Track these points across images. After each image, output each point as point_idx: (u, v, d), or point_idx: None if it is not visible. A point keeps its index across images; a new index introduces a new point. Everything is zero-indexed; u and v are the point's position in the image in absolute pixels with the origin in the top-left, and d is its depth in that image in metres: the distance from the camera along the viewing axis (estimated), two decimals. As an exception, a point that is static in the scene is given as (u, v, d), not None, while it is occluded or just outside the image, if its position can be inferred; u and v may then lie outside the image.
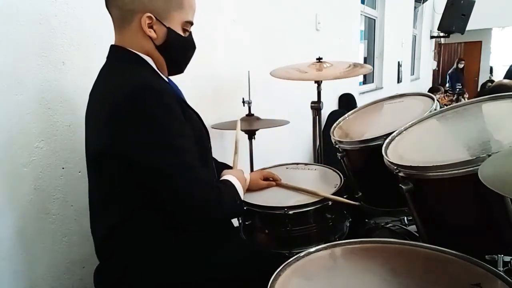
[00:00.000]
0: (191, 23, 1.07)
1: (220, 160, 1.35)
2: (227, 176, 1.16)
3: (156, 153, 0.92)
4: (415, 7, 7.19)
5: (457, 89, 7.52)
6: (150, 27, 0.99)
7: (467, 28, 8.01)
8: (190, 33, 1.09)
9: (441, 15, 7.83)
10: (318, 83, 2.00)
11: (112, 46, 1.05)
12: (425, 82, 8.90)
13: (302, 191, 1.40)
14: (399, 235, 1.51)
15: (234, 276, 1.05)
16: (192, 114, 1.08)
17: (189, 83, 1.40)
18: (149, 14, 0.98)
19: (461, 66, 9.54)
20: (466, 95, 7.40)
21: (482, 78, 10.69)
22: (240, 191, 1.13)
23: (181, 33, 1.04)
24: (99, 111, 0.98)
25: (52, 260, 1.29)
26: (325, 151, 2.12)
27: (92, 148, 1.03)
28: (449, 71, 9.75)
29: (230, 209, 1.07)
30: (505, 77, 10.43)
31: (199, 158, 1.00)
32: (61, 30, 1.26)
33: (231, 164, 1.39)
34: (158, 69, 1.07)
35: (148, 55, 1.03)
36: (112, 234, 1.00)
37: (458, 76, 9.50)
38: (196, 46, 1.12)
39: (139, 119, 0.91)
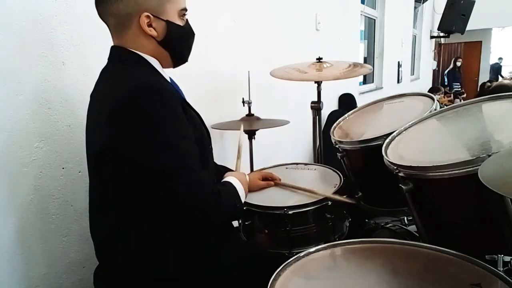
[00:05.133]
0: (186, 10, 1.07)
1: (220, 160, 1.35)
2: (229, 178, 1.16)
3: (156, 154, 0.92)
4: (415, 7, 7.19)
5: (454, 89, 7.51)
6: (149, 25, 1.00)
7: (467, 28, 8.02)
8: (187, 20, 1.09)
9: (441, 15, 7.84)
10: (318, 83, 2.00)
11: (113, 47, 1.05)
12: (425, 82, 8.90)
13: (301, 190, 1.40)
14: (399, 235, 1.51)
15: (234, 276, 1.05)
16: (193, 114, 1.08)
17: (189, 83, 1.40)
18: (146, 13, 0.98)
19: (458, 64, 9.53)
20: (464, 95, 7.40)
21: (482, 78, 10.70)
22: (241, 193, 1.13)
23: (179, 22, 1.05)
24: (100, 112, 0.98)
25: (52, 260, 1.29)
26: (325, 151, 2.12)
27: (92, 149, 1.03)
28: (446, 70, 9.75)
29: (229, 212, 1.07)
30: (490, 75, 10.51)
31: (200, 159, 1.00)
32: (61, 30, 1.26)
33: (231, 165, 1.39)
34: (163, 66, 1.08)
35: (151, 54, 1.04)
36: (112, 235, 1.00)
37: (455, 75, 9.50)
38: (195, 33, 1.13)
39: (140, 119, 0.91)
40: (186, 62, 1.14)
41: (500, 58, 11.78)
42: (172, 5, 1.02)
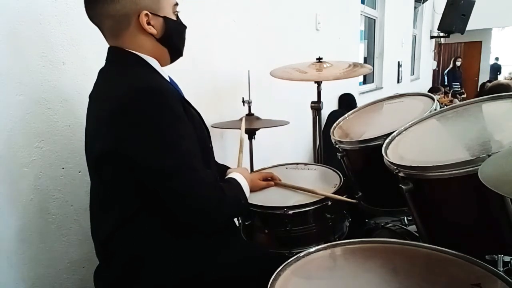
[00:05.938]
0: (177, 4, 1.07)
1: (220, 159, 1.35)
2: (233, 174, 1.16)
3: (157, 154, 0.92)
4: (415, 7, 7.19)
5: (453, 89, 7.50)
6: (148, 23, 0.99)
7: (467, 28, 8.02)
8: (177, 14, 1.09)
9: (441, 15, 7.84)
10: (318, 83, 2.00)
11: (110, 47, 1.04)
12: (425, 82, 8.90)
13: (301, 190, 1.40)
14: (399, 235, 1.51)
15: (234, 276, 1.05)
16: (193, 113, 1.08)
17: (189, 83, 1.40)
18: (145, 12, 0.98)
19: (458, 63, 9.54)
20: (464, 95, 7.40)
21: (482, 78, 10.71)
22: (246, 189, 1.14)
23: (173, 17, 1.05)
24: (100, 113, 0.97)
25: (52, 260, 1.29)
26: (325, 151, 2.12)
27: (92, 150, 1.02)
28: (446, 70, 9.76)
29: (233, 209, 1.07)
30: (490, 75, 10.53)
31: (201, 158, 1.00)
32: (61, 30, 1.26)
33: (232, 164, 1.39)
34: (161, 64, 1.08)
35: (149, 53, 1.03)
36: (113, 235, 1.00)
37: (455, 75, 9.50)
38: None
39: (140, 119, 0.91)
40: (182, 56, 1.14)
41: (497, 58, 11.76)
42: (167, 0, 1.02)
